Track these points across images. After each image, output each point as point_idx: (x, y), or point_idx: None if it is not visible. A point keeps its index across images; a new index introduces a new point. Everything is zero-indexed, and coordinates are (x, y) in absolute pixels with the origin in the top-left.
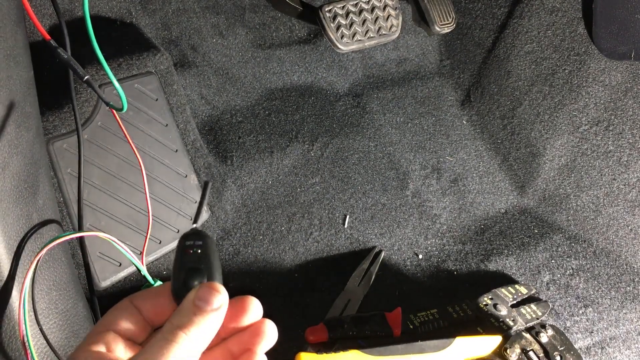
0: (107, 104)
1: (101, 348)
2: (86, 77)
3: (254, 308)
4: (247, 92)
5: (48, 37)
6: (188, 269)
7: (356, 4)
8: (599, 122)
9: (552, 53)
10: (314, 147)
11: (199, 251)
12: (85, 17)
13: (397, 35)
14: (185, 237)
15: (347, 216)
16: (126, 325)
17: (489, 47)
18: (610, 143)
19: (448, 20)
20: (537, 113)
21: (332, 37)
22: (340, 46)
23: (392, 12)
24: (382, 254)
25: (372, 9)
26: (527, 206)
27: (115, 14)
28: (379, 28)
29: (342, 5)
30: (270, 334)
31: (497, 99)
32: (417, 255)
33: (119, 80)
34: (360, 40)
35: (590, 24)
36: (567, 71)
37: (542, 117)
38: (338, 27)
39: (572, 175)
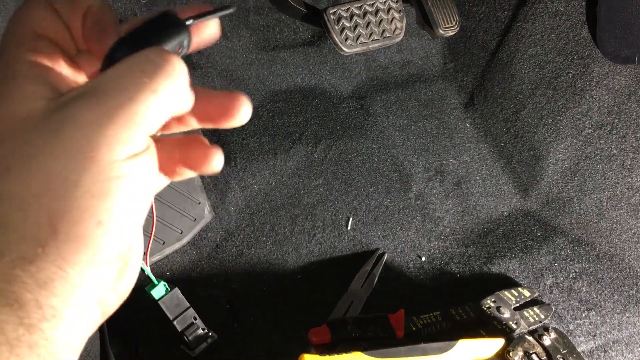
0: None
1: (40, 59)
2: None
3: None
4: (250, 94)
5: None
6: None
7: (360, 7)
8: (602, 125)
9: (556, 56)
10: (318, 149)
11: None
12: None
13: (401, 37)
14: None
15: (350, 218)
16: (53, 29)
17: (492, 50)
18: (613, 147)
19: (452, 24)
20: (541, 116)
21: (336, 39)
22: (344, 48)
23: (396, 15)
24: (385, 256)
25: (376, 11)
26: (530, 209)
27: (120, 15)
28: (383, 31)
29: (346, 7)
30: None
31: (501, 102)
32: (420, 258)
33: None
34: (364, 42)
35: (594, 28)
36: (570, 75)
37: (545, 120)
38: (342, 30)
39: (576, 178)
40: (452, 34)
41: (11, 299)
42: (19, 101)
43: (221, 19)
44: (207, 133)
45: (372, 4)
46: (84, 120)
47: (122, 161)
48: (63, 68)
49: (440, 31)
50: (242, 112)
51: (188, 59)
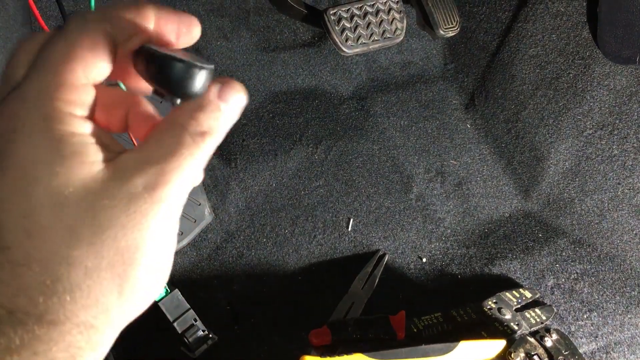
0: None
1: (79, 112)
2: None
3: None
4: (251, 95)
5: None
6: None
7: (361, 7)
8: (603, 126)
9: (557, 57)
10: (318, 150)
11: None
12: None
13: (401, 38)
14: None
15: (351, 219)
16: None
17: (493, 51)
18: (614, 147)
19: (452, 24)
20: (542, 117)
21: (336, 40)
22: (344, 49)
23: (397, 16)
24: (386, 257)
25: (377, 12)
26: (531, 210)
27: None
28: (384, 31)
29: (346, 8)
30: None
31: (502, 103)
32: (421, 259)
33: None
34: (364, 43)
35: (595, 28)
36: (571, 75)
37: (546, 121)
38: (342, 30)
39: (577, 179)
40: (453, 34)
41: None
42: (79, 165)
43: (221, 20)
44: None
45: (373, 5)
46: (144, 197)
47: (173, 224)
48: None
49: (441, 32)
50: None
51: None
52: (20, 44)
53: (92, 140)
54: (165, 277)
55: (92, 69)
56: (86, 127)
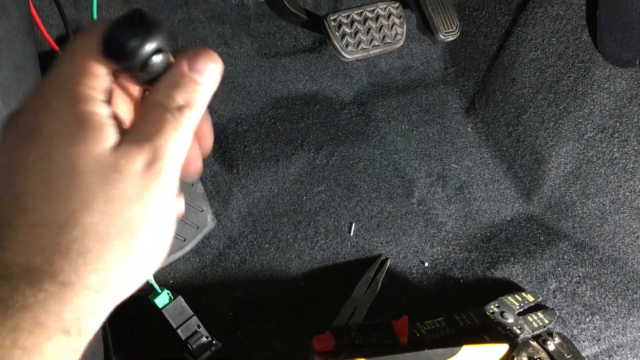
0: None
1: (98, 95)
2: None
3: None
4: (252, 101)
5: (57, 47)
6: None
7: (361, 13)
8: (604, 129)
9: (557, 60)
10: (320, 155)
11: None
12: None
13: (401, 43)
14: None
15: (353, 224)
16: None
17: (493, 55)
18: (615, 150)
19: (452, 28)
20: (542, 120)
21: (337, 45)
22: (345, 55)
23: (397, 21)
24: (388, 262)
25: (377, 17)
26: (533, 213)
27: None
28: (384, 36)
29: (346, 14)
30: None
31: (502, 107)
32: (423, 263)
33: None
34: (365, 48)
35: (595, 31)
36: (571, 78)
37: (547, 124)
38: (343, 36)
39: (578, 182)
40: (453, 38)
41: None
42: (96, 140)
43: (222, 26)
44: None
45: (373, 10)
46: (146, 173)
47: (171, 197)
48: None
49: (441, 36)
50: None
51: None
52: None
53: (109, 121)
54: (165, 249)
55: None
56: (104, 109)
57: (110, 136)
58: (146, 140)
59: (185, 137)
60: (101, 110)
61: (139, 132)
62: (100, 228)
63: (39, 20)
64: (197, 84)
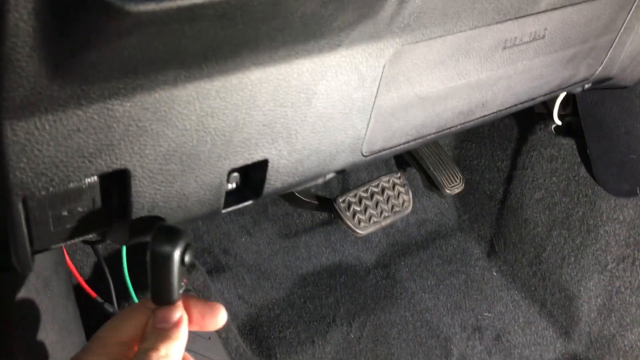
0: None
1: None
2: None
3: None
4: (280, 283)
5: (94, 294)
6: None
7: (367, 190)
8: (624, 258)
9: (562, 197)
10: (353, 327)
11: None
12: (123, 272)
13: (410, 209)
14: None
15: None
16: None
17: (501, 199)
18: None
19: (456, 182)
20: (563, 256)
21: (349, 224)
22: (359, 231)
23: (402, 189)
24: None
25: (382, 190)
26: (575, 352)
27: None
28: (392, 206)
29: (354, 193)
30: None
31: (521, 247)
32: None
33: None
34: (376, 221)
35: (590, 167)
36: (580, 213)
37: (568, 260)
38: (354, 215)
39: (612, 314)
40: (459, 191)
41: None
42: None
43: (243, 218)
44: (247, 333)
45: (377, 185)
46: None
47: None
48: None
49: (447, 191)
50: (218, 318)
51: (218, 263)
52: None
53: None
54: None
55: None
56: None
57: None
58: None
59: None
60: None
61: None
62: None
63: (81, 280)
64: (160, 330)
